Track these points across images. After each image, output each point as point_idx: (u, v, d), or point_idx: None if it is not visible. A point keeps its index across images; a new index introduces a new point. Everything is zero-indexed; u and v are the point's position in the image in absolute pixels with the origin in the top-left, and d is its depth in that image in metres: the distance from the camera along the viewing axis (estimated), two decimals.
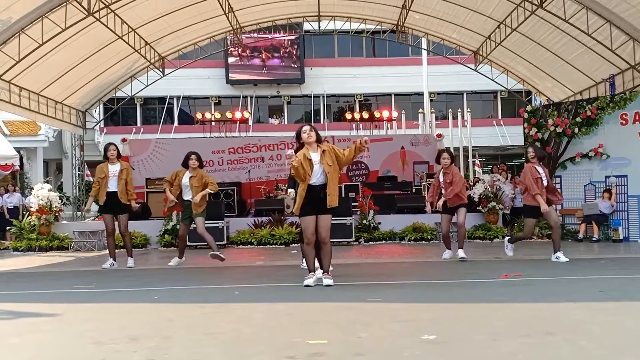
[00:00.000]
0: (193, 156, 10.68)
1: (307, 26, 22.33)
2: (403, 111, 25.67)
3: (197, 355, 4.26)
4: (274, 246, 14.61)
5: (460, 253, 10.28)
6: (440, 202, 10.46)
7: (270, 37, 29.11)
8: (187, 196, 10.63)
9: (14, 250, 15.08)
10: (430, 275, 8.54)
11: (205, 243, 10.99)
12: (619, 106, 14.71)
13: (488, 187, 15.63)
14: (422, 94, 28.15)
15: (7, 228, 17.03)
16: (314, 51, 36.07)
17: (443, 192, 10.43)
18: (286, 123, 35.58)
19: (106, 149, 10.78)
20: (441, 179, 10.49)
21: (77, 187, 21.94)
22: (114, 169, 10.55)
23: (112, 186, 10.52)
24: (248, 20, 20.18)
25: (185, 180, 10.62)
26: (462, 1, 16.95)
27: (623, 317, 5.29)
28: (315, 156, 7.81)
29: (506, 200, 16.03)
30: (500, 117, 34.76)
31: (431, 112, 23.86)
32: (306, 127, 8.00)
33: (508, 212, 16.05)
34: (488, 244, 14.03)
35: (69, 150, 24.98)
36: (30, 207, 15.90)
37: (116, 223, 10.70)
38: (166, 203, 15.31)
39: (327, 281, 7.51)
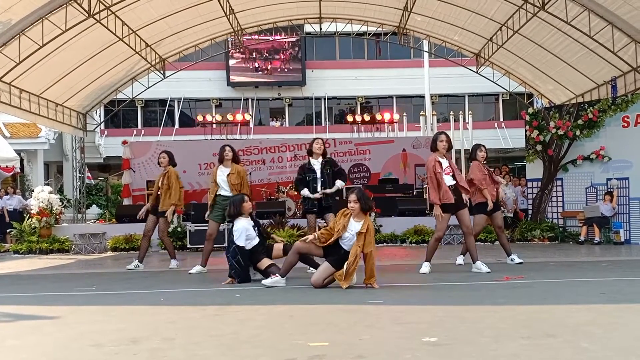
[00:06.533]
0: (227, 147, 9.82)
1: (308, 28, 22.35)
2: (404, 113, 25.66)
3: (197, 357, 4.24)
4: None
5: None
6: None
7: (271, 39, 29.14)
8: (223, 191, 9.65)
9: (14, 252, 15.06)
10: (432, 277, 8.51)
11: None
12: (620, 108, 14.70)
13: None
14: (424, 96, 28.18)
15: (8, 230, 17.02)
16: (315, 53, 36.10)
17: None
18: (287, 125, 35.62)
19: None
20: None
21: (78, 190, 21.94)
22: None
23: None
24: (249, 22, 20.20)
25: (222, 176, 9.70)
26: (463, 3, 16.96)
27: (624, 319, 5.27)
28: (356, 225, 7.53)
29: (509, 203, 16.01)
30: (501, 119, 34.82)
31: (433, 115, 23.85)
32: (352, 197, 7.56)
33: (511, 215, 16.02)
34: (489, 246, 14.01)
35: (69, 152, 25.01)
36: (31, 209, 15.89)
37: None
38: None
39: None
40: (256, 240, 8.50)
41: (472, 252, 9.10)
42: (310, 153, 9.74)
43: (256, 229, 8.60)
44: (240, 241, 8.28)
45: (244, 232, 8.33)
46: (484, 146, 10.26)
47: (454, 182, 8.94)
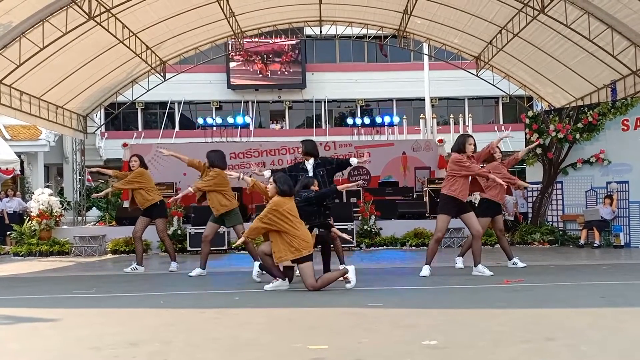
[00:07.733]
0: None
1: (308, 31, 22.36)
2: (404, 116, 25.65)
3: None
4: None
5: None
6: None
7: (271, 41, 29.14)
8: None
9: (14, 255, 15.04)
10: (431, 280, 8.51)
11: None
12: (620, 112, 14.69)
13: None
14: (424, 99, 28.14)
15: (8, 233, 17.01)
16: (315, 56, 36.11)
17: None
18: (287, 128, 35.62)
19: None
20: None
21: (78, 192, 21.93)
22: None
23: None
24: (249, 25, 20.19)
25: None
26: (463, 6, 16.96)
27: (624, 323, 5.27)
28: None
29: (509, 207, 16.00)
30: (501, 122, 34.75)
31: (432, 118, 23.85)
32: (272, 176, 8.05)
33: (511, 218, 16.02)
34: (489, 250, 13.99)
35: (69, 154, 24.96)
36: (31, 211, 15.88)
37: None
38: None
39: None
40: None
41: (477, 255, 9.08)
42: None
43: None
44: None
45: None
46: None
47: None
